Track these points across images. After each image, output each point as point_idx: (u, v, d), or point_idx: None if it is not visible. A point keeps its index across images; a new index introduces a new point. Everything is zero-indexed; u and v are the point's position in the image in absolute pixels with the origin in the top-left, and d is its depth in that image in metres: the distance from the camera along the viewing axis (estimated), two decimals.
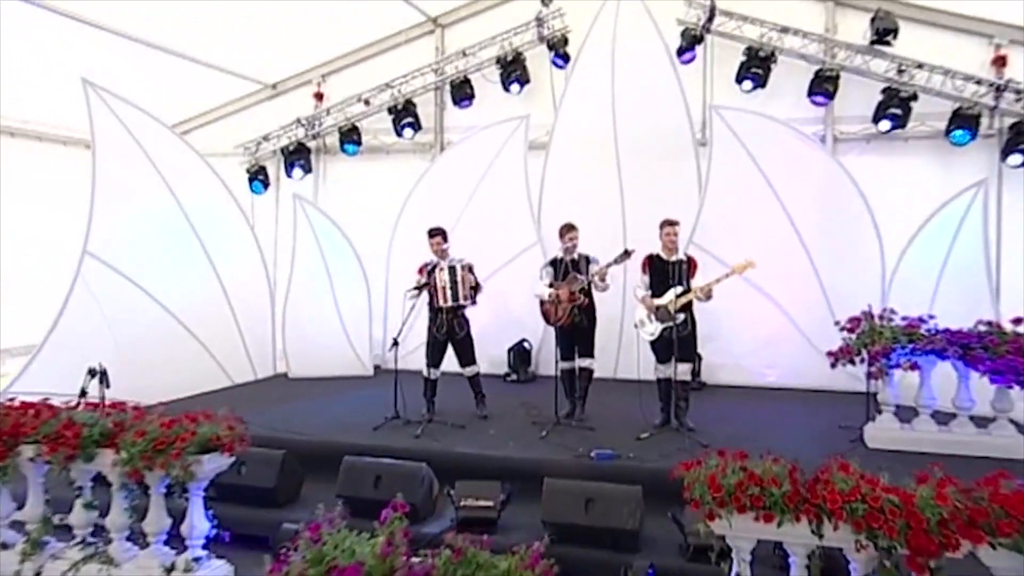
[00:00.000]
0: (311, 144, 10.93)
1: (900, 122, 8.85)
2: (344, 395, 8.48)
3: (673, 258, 6.82)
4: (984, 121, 8.70)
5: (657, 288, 6.81)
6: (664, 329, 6.74)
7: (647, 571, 4.53)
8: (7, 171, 10.01)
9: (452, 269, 7.19)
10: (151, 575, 4.35)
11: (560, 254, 7.23)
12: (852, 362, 6.34)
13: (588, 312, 7.10)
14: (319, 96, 10.90)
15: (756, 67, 9.09)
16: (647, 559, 4.62)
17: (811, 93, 9.09)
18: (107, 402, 6.63)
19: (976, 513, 3.29)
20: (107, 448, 4.40)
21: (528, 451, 6.12)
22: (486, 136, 9.86)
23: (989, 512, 3.26)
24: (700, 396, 8.53)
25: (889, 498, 3.38)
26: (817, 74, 9.04)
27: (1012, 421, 6.32)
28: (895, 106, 8.82)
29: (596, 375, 8.67)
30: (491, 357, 9.65)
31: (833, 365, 6.42)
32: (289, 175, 10.68)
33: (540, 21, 9.82)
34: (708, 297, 6.72)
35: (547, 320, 7.13)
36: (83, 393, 6.70)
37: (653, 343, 6.88)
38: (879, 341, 6.10)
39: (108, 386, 6.92)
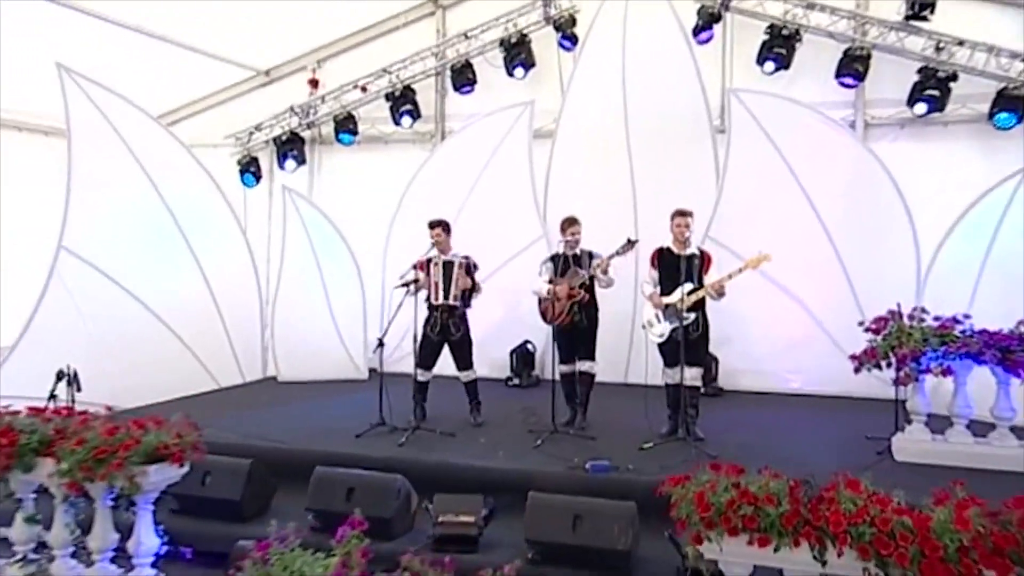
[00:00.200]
0: (305, 134, 10.76)
1: (938, 105, 8.48)
2: (333, 400, 8.30)
3: (685, 252, 6.54)
4: None
5: (666, 285, 6.54)
6: (673, 330, 6.45)
7: None
8: None
9: (448, 264, 6.96)
10: None
11: (561, 249, 6.97)
12: (879, 366, 6.01)
13: (589, 310, 6.85)
14: (314, 83, 10.74)
15: (779, 47, 8.77)
16: None
17: (839, 74, 8.74)
18: (77, 406, 6.55)
19: (1003, 540, 2.99)
20: (46, 457, 4.21)
21: (519, 462, 5.88)
22: (489, 124, 9.64)
23: (1018, 539, 2.96)
24: (716, 403, 8.33)
25: (901, 521, 3.10)
26: (846, 53, 8.69)
27: None
28: (932, 87, 8.46)
29: (604, 379, 8.48)
30: (492, 360, 9.43)
31: (857, 370, 6.10)
32: (281, 167, 10.52)
33: (547, 0, 9.57)
34: (721, 295, 6.45)
35: (544, 319, 6.89)
36: (52, 397, 6.59)
37: (661, 345, 6.61)
38: (907, 343, 5.77)
39: (79, 389, 6.82)
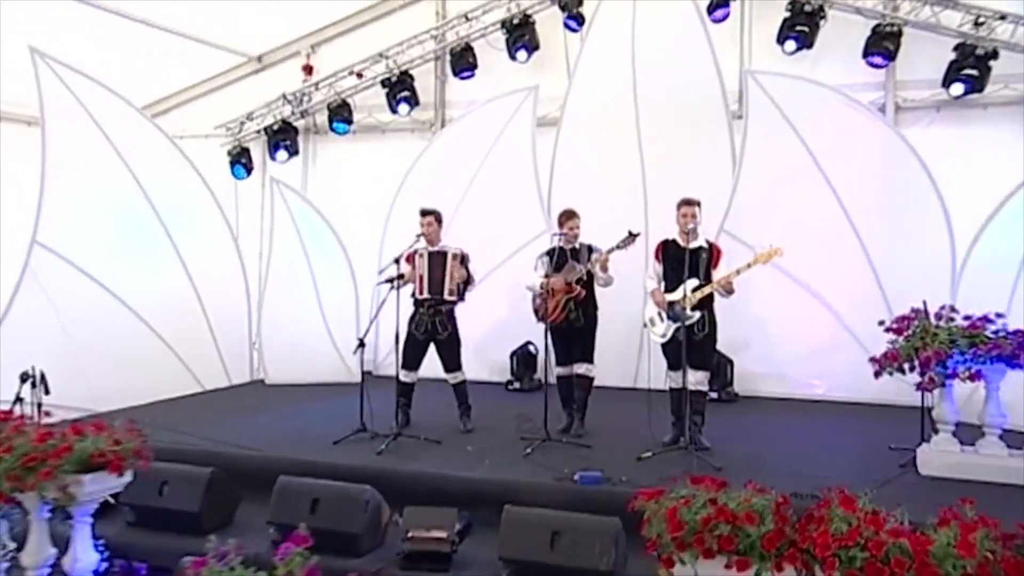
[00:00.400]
0: (299, 123, 10.64)
1: (976, 85, 8.12)
2: (320, 404, 8.14)
3: (691, 244, 6.28)
4: None
5: (671, 280, 6.29)
6: (676, 330, 6.20)
7: None
8: None
9: (434, 256, 6.77)
10: None
11: (559, 243, 6.76)
12: (901, 370, 5.70)
13: (586, 308, 6.63)
14: (308, 69, 10.61)
15: (801, 24, 8.46)
16: None
17: (867, 53, 8.42)
18: (45, 409, 6.45)
19: (1014, 568, 2.73)
20: None
21: (504, 472, 5.67)
22: (490, 111, 9.45)
23: None
24: (731, 409, 8.11)
25: (897, 544, 2.84)
26: (875, 31, 8.36)
27: None
28: (970, 66, 8.11)
29: (612, 384, 8.33)
30: (493, 362, 9.28)
31: (877, 374, 5.80)
32: (273, 157, 10.40)
33: None
34: (729, 291, 6.19)
35: (537, 316, 6.67)
36: (18, 400, 6.50)
37: (664, 346, 6.36)
38: (932, 344, 5.46)
39: (47, 392, 6.71)
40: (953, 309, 5.77)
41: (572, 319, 6.60)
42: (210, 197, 9.34)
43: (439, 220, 6.95)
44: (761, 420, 7.65)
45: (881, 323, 5.83)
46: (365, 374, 6.93)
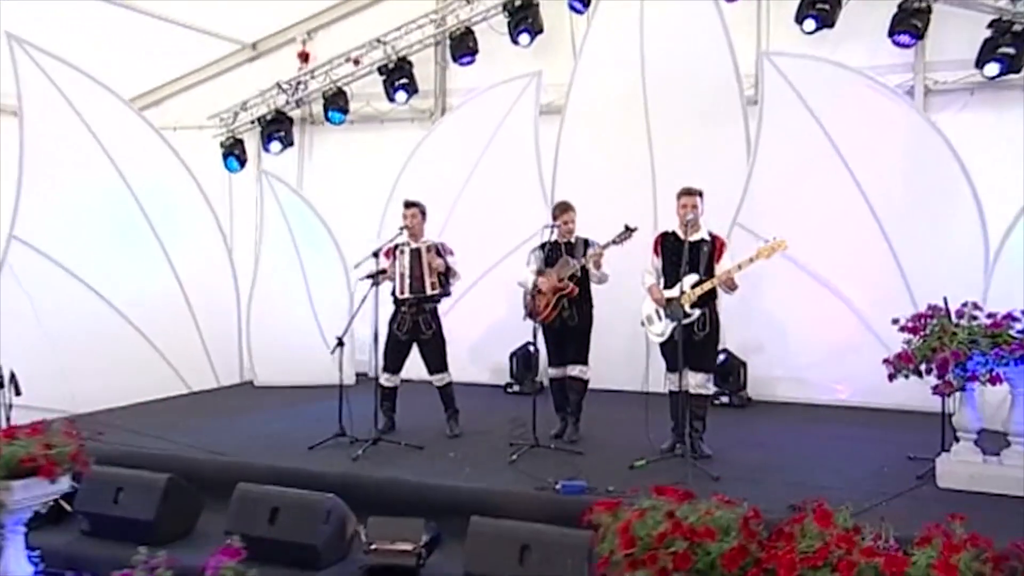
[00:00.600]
0: (294, 113, 10.56)
1: (1013, 65, 7.83)
2: (307, 407, 8.01)
3: (692, 237, 6.05)
4: None
5: (671, 275, 6.07)
6: (675, 328, 5.98)
7: None
8: None
9: (415, 252, 6.61)
10: None
11: (554, 237, 6.59)
12: (918, 372, 5.43)
13: (581, 306, 6.46)
14: (304, 56, 10.53)
15: (821, 1, 8.20)
16: None
17: (893, 32, 8.14)
18: (16, 411, 6.42)
19: None
20: None
21: (483, 480, 5.50)
22: (490, 98, 9.30)
23: None
24: (742, 414, 7.91)
25: (870, 565, 2.62)
26: (901, 7, 8.08)
27: None
28: (1007, 44, 7.81)
29: (618, 387, 8.13)
30: (494, 364, 9.14)
31: (891, 376, 5.53)
32: (267, 149, 10.32)
33: None
34: (731, 287, 5.96)
35: (528, 314, 6.50)
36: None
37: (663, 346, 6.15)
38: (950, 345, 5.19)
39: (18, 392, 6.68)
40: (976, 306, 5.47)
41: (565, 317, 6.44)
42: (198, 191, 9.26)
43: (423, 213, 6.80)
44: (773, 426, 7.42)
45: (895, 321, 5.56)
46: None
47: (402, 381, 6.95)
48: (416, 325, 6.68)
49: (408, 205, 6.80)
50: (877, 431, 7.12)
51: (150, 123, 9.08)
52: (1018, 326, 5.28)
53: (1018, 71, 7.87)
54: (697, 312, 5.95)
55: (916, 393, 6.39)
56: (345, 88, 10.16)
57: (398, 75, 9.71)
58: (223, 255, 9.43)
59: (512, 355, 8.82)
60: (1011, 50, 7.80)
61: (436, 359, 6.77)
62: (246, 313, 9.34)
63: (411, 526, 4.65)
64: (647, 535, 2.88)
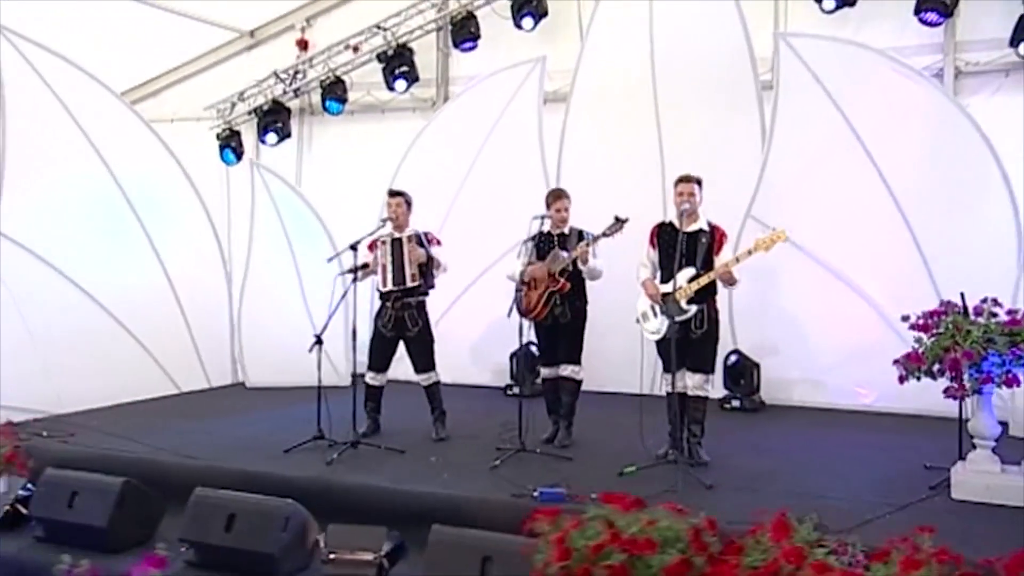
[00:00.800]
0: (293, 103, 10.51)
1: None
2: (297, 409, 7.92)
3: (690, 228, 5.88)
4: None
5: (667, 268, 5.89)
6: (670, 326, 5.81)
7: None
8: None
9: (397, 242, 6.51)
10: None
11: (542, 227, 6.45)
12: (930, 374, 5.19)
13: (573, 302, 6.30)
14: (303, 44, 10.49)
15: None
16: None
17: (920, 9, 7.86)
18: None
19: None
20: None
21: (460, 486, 5.36)
22: (493, 86, 9.18)
23: None
24: (753, 419, 7.71)
25: None
26: None
27: None
28: None
29: (618, 389, 7.95)
30: (496, 364, 9.01)
31: (902, 379, 5.31)
32: (263, 140, 10.29)
33: None
34: (729, 282, 5.78)
35: (518, 310, 6.35)
36: None
37: (659, 344, 5.97)
38: (963, 344, 4.96)
39: None
40: (996, 302, 5.23)
41: (557, 315, 6.29)
42: (188, 184, 9.24)
43: (409, 203, 6.70)
44: (785, 432, 7.20)
45: (905, 318, 5.33)
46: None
47: (389, 381, 6.87)
48: (401, 321, 6.57)
49: (392, 194, 6.71)
50: (897, 438, 6.87)
51: (138, 113, 9.09)
52: None
53: None
54: (694, 308, 5.77)
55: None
56: (344, 77, 10.09)
57: (398, 63, 9.61)
58: (215, 251, 9.40)
59: (513, 355, 8.66)
60: None
61: (422, 357, 6.66)
62: (238, 311, 9.28)
63: (372, 535, 4.53)
64: (584, 546, 2.73)
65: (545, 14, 9.09)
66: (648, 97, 8.59)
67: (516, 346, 8.58)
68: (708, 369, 5.91)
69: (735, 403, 7.84)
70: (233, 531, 4.62)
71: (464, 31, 9.34)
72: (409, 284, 6.44)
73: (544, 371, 6.51)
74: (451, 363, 8.97)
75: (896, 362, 5.33)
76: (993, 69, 8.11)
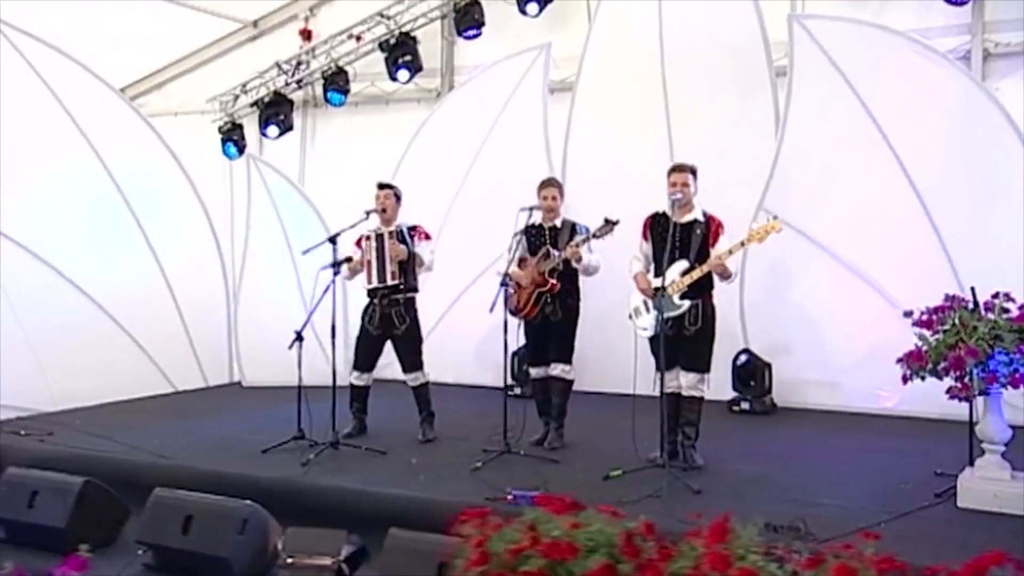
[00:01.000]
0: (296, 95, 10.51)
1: None
2: (287, 409, 7.86)
3: (684, 218, 5.75)
4: None
5: (661, 262, 5.75)
6: (659, 322, 5.67)
7: None
8: None
9: (381, 238, 6.45)
10: None
11: (537, 220, 6.36)
12: (936, 374, 5.00)
13: (564, 300, 6.22)
14: (306, 34, 10.49)
15: None
16: None
17: None
18: None
19: None
20: None
21: (437, 489, 5.28)
22: (496, 75, 9.10)
23: None
24: (762, 422, 7.55)
25: None
26: None
27: None
28: None
29: (622, 390, 7.79)
30: (498, 365, 8.78)
31: (905, 379, 5.11)
32: (264, 133, 10.30)
33: None
34: (724, 275, 5.63)
35: (507, 308, 6.25)
36: None
37: (651, 341, 5.84)
38: (968, 341, 4.76)
39: None
40: (1009, 297, 5.02)
41: (548, 313, 6.21)
42: (186, 180, 9.26)
43: (398, 196, 6.65)
44: (793, 436, 7.03)
45: (908, 314, 5.13)
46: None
47: (385, 381, 6.83)
48: (388, 319, 6.51)
49: (380, 187, 6.67)
50: (913, 443, 6.65)
51: (135, 108, 9.15)
52: None
53: None
54: (687, 303, 5.64)
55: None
56: (348, 68, 10.07)
57: (400, 52, 9.56)
58: (213, 248, 9.41)
59: (515, 355, 8.55)
60: None
61: (410, 357, 6.60)
62: (234, 309, 9.30)
63: (331, 538, 4.45)
64: (504, 550, 2.63)
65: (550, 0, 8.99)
66: (657, 84, 8.45)
67: (519, 345, 8.63)
68: (703, 368, 5.77)
69: (744, 405, 7.67)
70: (190, 533, 4.57)
71: (468, 18, 9.26)
72: (389, 282, 6.36)
73: (533, 371, 6.43)
74: (454, 363, 8.99)
75: (899, 361, 5.14)
76: (1021, 51, 7.85)
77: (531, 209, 6.21)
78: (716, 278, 5.72)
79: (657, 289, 5.64)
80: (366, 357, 6.62)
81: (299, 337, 6.34)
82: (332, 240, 6.34)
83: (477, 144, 9.13)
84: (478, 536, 2.67)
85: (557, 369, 6.27)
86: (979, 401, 5.10)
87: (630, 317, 5.97)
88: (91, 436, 6.54)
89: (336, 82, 9.94)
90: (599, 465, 5.67)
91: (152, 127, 9.15)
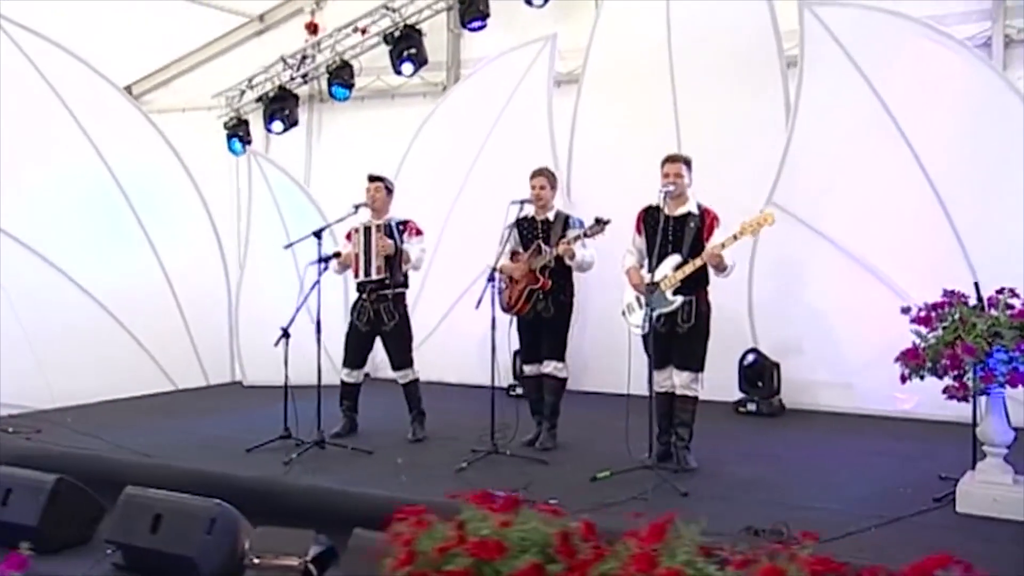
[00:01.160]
0: (302, 90, 10.54)
1: None
2: (283, 409, 7.94)
3: (678, 211, 5.68)
4: None
5: (655, 256, 5.68)
6: (656, 319, 5.61)
7: None
8: None
9: (368, 231, 6.43)
10: None
11: (530, 212, 6.31)
12: (935, 373, 4.87)
13: (557, 296, 6.16)
14: (312, 28, 10.51)
15: None
16: None
17: None
18: None
19: None
20: None
21: (417, 490, 5.19)
22: (500, 68, 9.06)
23: None
24: (768, 424, 7.44)
25: None
26: None
27: None
28: None
29: (619, 390, 7.72)
30: (500, 364, 8.77)
31: (904, 378, 5.00)
32: (268, 128, 10.34)
33: None
34: (719, 268, 5.54)
35: (500, 302, 6.21)
36: None
37: (644, 338, 5.75)
38: (966, 337, 4.64)
39: None
40: (1014, 293, 4.88)
41: (540, 310, 6.17)
42: (187, 177, 9.32)
43: (389, 189, 6.63)
44: (799, 438, 6.92)
45: (905, 310, 5.01)
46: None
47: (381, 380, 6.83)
48: (377, 315, 6.51)
49: (372, 179, 6.65)
50: (924, 446, 6.50)
51: (136, 104, 9.25)
52: None
53: None
54: (679, 299, 5.56)
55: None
56: (353, 62, 10.07)
57: (405, 45, 9.53)
58: (214, 246, 9.46)
59: (516, 353, 8.50)
60: None
61: (399, 353, 6.59)
62: (235, 308, 9.34)
63: (298, 538, 4.43)
64: (431, 549, 2.58)
65: None
66: (664, 76, 8.37)
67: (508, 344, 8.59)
68: (696, 367, 5.68)
69: (751, 407, 7.55)
70: (159, 532, 4.57)
71: (472, 9, 9.20)
72: (374, 276, 6.35)
73: (526, 368, 6.39)
74: (457, 362, 8.95)
75: (897, 359, 5.02)
76: None
77: (522, 202, 6.15)
78: (712, 273, 5.62)
79: (651, 284, 5.57)
80: (355, 353, 6.61)
81: (285, 334, 6.34)
82: (317, 235, 6.32)
83: (481, 138, 9.10)
84: (406, 534, 2.61)
85: (549, 367, 6.22)
86: (983, 401, 4.98)
87: (623, 314, 5.91)
88: (79, 434, 6.59)
89: (340, 76, 9.95)
90: (589, 466, 5.60)
91: (153, 123, 9.21)
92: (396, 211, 8.44)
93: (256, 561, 4.42)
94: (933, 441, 6.64)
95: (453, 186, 9.10)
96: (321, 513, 4.99)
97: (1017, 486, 4.78)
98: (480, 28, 9.33)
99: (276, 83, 10.41)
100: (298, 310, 6.46)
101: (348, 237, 6.61)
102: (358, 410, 6.73)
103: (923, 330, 4.85)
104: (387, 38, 9.66)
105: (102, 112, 8.82)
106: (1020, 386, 4.55)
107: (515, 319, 6.33)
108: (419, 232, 6.63)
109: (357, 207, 6.49)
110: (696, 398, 5.72)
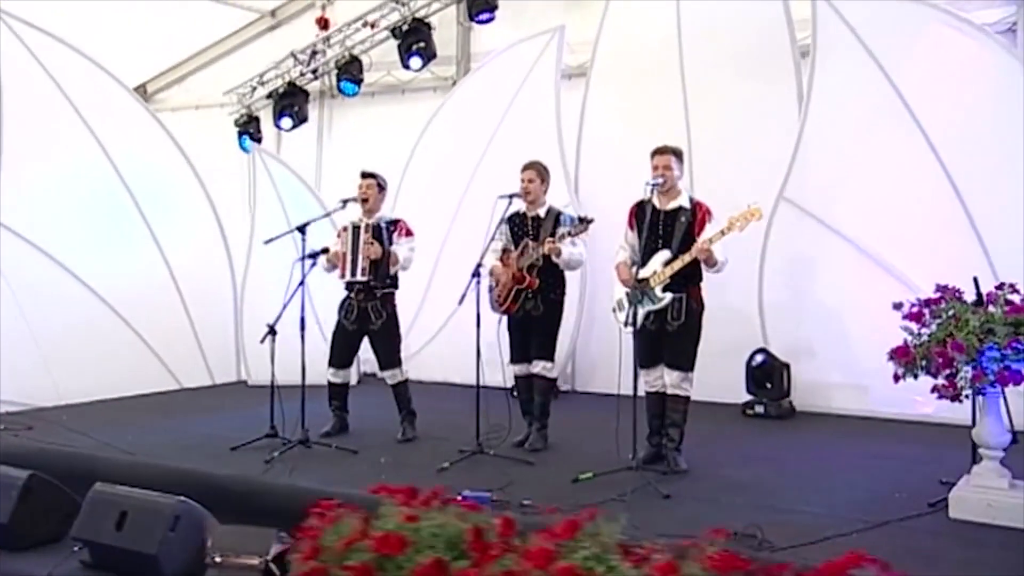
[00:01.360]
0: (312, 85, 10.62)
1: None
2: (286, 408, 7.99)
3: (668, 205, 5.63)
4: None
5: (647, 251, 5.63)
6: (646, 316, 5.56)
7: None
8: None
9: (357, 230, 6.45)
10: None
11: (521, 208, 6.29)
12: (929, 372, 4.76)
13: (546, 295, 6.14)
14: (323, 23, 10.59)
15: None
16: None
17: None
18: None
19: None
20: None
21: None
22: (509, 60, 9.05)
23: None
24: (775, 427, 7.34)
25: None
26: None
27: None
28: None
29: (625, 391, 7.65)
30: (504, 364, 8.82)
31: (897, 377, 4.89)
32: (278, 125, 10.43)
33: None
34: (709, 262, 5.47)
35: (489, 302, 6.21)
36: None
37: (635, 336, 5.70)
38: (958, 335, 4.52)
39: None
40: (1014, 289, 4.76)
41: (529, 308, 6.16)
42: (193, 174, 9.42)
43: (381, 187, 6.65)
44: (804, 442, 6.81)
45: (897, 306, 4.90)
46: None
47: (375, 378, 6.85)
48: (365, 313, 6.52)
49: (364, 176, 6.68)
50: (933, 450, 6.35)
51: (141, 100, 9.35)
52: None
53: None
54: (669, 296, 5.51)
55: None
56: (363, 56, 10.15)
57: (414, 38, 9.57)
58: (220, 244, 9.55)
59: None
60: None
61: (386, 354, 6.62)
62: (240, 306, 9.42)
63: (260, 537, 4.40)
64: (335, 543, 2.57)
65: None
66: (674, 68, 8.32)
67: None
68: (687, 366, 5.62)
69: (759, 409, 7.44)
70: (124, 530, 4.59)
71: (480, 1, 9.22)
72: (359, 277, 6.36)
73: (515, 368, 6.38)
74: (461, 363, 8.90)
75: (889, 358, 4.92)
76: None
77: (511, 197, 6.12)
78: (704, 269, 5.55)
79: (640, 280, 5.52)
80: (342, 353, 6.65)
81: (271, 331, 6.38)
82: (301, 230, 6.35)
83: (489, 132, 9.09)
84: (314, 529, 2.60)
85: (538, 367, 6.20)
86: (980, 402, 4.86)
87: (613, 311, 5.87)
88: (70, 432, 6.67)
89: (349, 71, 10.01)
90: (574, 467, 5.56)
91: (159, 120, 9.34)
92: (403, 207, 8.51)
93: (218, 560, 4.42)
94: (943, 445, 6.47)
95: (461, 181, 9.10)
96: (297, 512, 4.97)
97: (1013, 491, 4.65)
98: (488, 20, 9.35)
99: (287, 79, 10.49)
100: (285, 306, 6.48)
101: (339, 234, 6.63)
102: (348, 410, 6.75)
103: (914, 326, 4.73)
104: (395, 32, 9.70)
105: (108, 109, 8.95)
106: (1011, 385, 4.41)
107: (505, 318, 6.28)
108: (409, 232, 6.63)
109: (345, 202, 6.51)
110: (687, 398, 5.66)
